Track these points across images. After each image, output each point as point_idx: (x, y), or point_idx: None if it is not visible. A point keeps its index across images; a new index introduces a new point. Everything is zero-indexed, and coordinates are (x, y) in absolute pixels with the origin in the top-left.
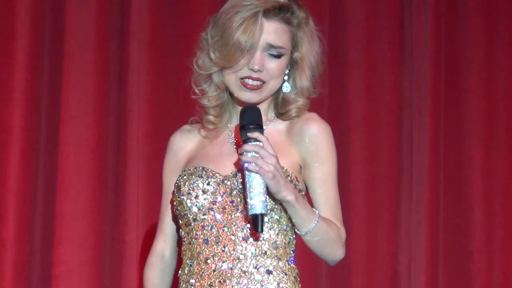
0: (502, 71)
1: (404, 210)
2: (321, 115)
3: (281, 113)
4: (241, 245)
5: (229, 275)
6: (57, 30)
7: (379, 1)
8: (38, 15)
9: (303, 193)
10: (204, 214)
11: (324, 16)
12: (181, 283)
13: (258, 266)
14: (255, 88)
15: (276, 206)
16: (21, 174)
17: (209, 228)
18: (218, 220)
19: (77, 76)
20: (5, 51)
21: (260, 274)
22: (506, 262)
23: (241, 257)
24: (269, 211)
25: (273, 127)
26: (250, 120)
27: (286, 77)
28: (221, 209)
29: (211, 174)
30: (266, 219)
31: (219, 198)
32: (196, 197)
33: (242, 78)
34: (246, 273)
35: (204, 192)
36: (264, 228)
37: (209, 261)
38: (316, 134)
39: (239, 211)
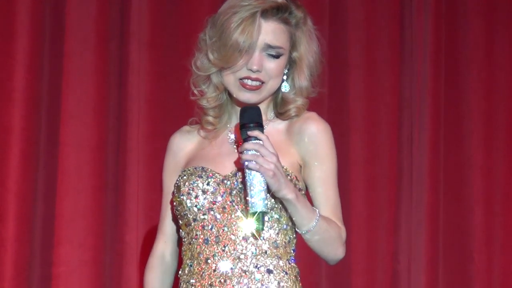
0: (502, 71)
1: (404, 210)
2: (321, 115)
3: (280, 113)
4: (241, 245)
5: (229, 274)
6: (57, 30)
7: (379, 1)
8: (38, 15)
9: (303, 193)
10: (204, 214)
11: (324, 16)
12: (182, 284)
13: (258, 266)
14: (254, 89)
15: (276, 205)
16: (21, 174)
17: (209, 228)
18: (218, 220)
19: (77, 76)
20: (5, 51)
21: (261, 273)
22: (506, 262)
23: (242, 256)
24: (269, 210)
25: (273, 127)
26: (250, 118)
27: (285, 77)
28: (221, 209)
29: (210, 174)
30: (266, 218)
31: (219, 198)
32: (196, 197)
33: (241, 79)
34: (247, 273)
35: (204, 192)
36: (264, 226)
37: (209, 261)
38: (316, 133)
39: (239, 210)
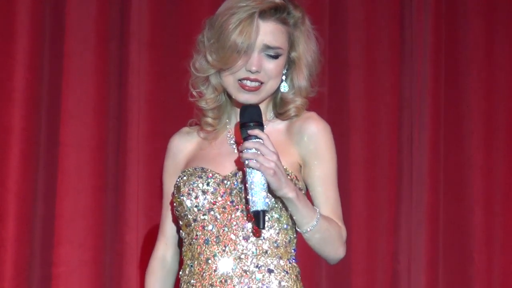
0: (502, 71)
1: (404, 210)
2: (321, 115)
3: (280, 113)
4: (242, 245)
5: (230, 274)
6: (57, 30)
7: (379, 1)
8: (38, 15)
9: (303, 192)
10: (204, 215)
11: (324, 16)
12: (182, 284)
13: (259, 265)
14: (253, 90)
15: (276, 205)
16: (21, 174)
17: (210, 228)
18: (218, 220)
19: (77, 76)
20: (5, 51)
21: (261, 273)
22: (506, 262)
23: (242, 256)
24: (269, 210)
25: (272, 127)
26: (250, 118)
27: (283, 77)
28: (221, 209)
29: (210, 174)
30: (266, 217)
31: (219, 198)
32: (196, 197)
33: (240, 80)
34: (247, 273)
35: (204, 192)
36: (265, 224)
37: (210, 261)
38: (316, 133)
39: (239, 210)
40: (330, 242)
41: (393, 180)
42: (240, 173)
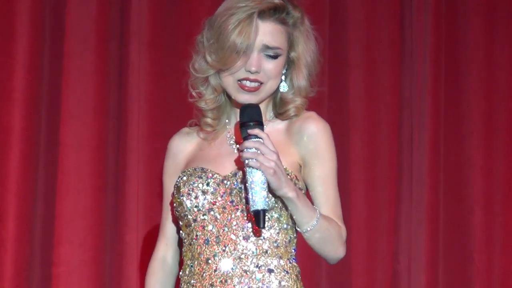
0: (502, 71)
1: (404, 210)
2: (321, 115)
3: (279, 113)
4: (242, 245)
5: (230, 274)
6: (57, 30)
7: (379, 1)
8: (38, 15)
9: (303, 192)
10: (204, 215)
11: (324, 16)
12: (182, 284)
13: (259, 265)
14: (252, 90)
15: (276, 205)
16: (21, 174)
17: (210, 228)
18: (218, 220)
19: (77, 76)
20: (5, 51)
21: (261, 273)
22: (506, 262)
23: (242, 256)
24: (269, 209)
25: (272, 127)
26: (250, 117)
27: (283, 77)
28: (221, 209)
29: (210, 174)
30: (266, 216)
31: (219, 198)
32: (196, 197)
33: (239, 80)
34: (248, 272)
35: (204, 192)
36: (266, 224)
37: (210, 261)
38: (316, 133)
39: (239, 210)
40: (330, 241)
41: (393, 180)
42: (240, 173)
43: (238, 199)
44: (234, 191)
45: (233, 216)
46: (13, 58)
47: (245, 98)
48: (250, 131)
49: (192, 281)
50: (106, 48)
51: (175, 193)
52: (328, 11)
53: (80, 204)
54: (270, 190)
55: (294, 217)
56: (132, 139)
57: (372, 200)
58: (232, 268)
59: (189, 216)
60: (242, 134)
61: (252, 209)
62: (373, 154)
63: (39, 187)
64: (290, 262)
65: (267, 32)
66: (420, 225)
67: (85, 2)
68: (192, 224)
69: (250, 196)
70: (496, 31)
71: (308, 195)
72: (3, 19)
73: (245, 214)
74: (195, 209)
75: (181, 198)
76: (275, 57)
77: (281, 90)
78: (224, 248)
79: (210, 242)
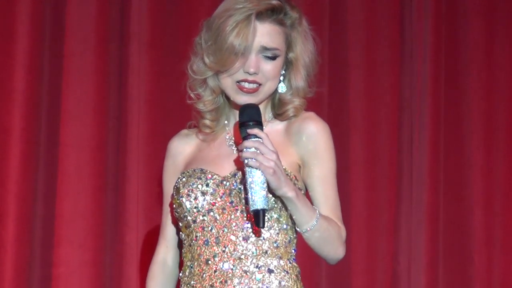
0: (502, 71)
1: (404, 210)
2: (321, 115)
3: (278, 113)
4: (242, 245)
5: (230, 275)
6: (57, 30)
7: (379, 1)
8: (38, 16)
9: (303, 193)
10: (203, 216)
11: (324, 17)
12: (182, 285)
13: (259, 266)
14: (251, 91)
15: (276, 205)
16: (21, 174)
17: (209, 229)
18: (218, 221)
19: (77, 77)
20: (5, 51)
21: (261, 273)
22: (506, 262)
23: (242, 257)
24: (269, 209)
25: (271, 127)
26: (250, 117)
27: (281, 78)
28: (220, 210)
29: (209, 175)
30: (266, 217)
31: (219, 199)
32: (196, 198)
33: (238, 82)
34: (248, 273)
35: (203, 193)
36: (265, 223)
37: (209, 262)
38: (315, 133)
39: (238, 211)
40: (330, 242)
41: (393, 180)
42: (239, 174)
43: (238, 199)
44: (234, 192)
45: (232, 216)
46: (13, 59)
47: (244, 99)
48: (249, 131)
49: (192, 282)
50: (106, 48)
51: (174, 194)
52: (328, 11)
53: (80, 204)
54: (270, 190)
55: (293, 217)
56: (132, 139)
57: (372, 200)
58: (231, 269)
59: (188, 217)
60: (242, 134)
61: (251, 208)
62: (373, 154)
63: (39, 187)
64: (290, 262)
65: (265, 33)
66: (420, 225)
67: (85, 2)
68: (192, 225)
69: (249, 196)
70: (496, 31)
71: (307, 195)
72: (3, 19)
73: (245, 215)
74: (195, 210)
75: (181, 199)
76: (273, 58)
77: (279, 91)
78: (224, 249)
79: (210, 243)
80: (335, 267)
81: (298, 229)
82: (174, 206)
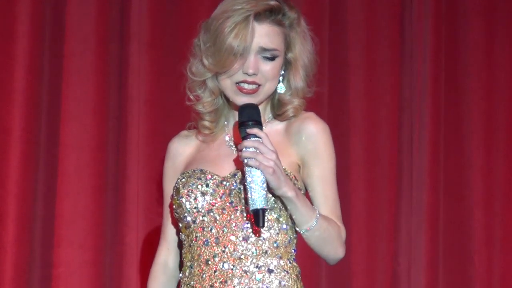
0: (502, 71)
1: (404, 210)
2: (321, 116)
3: (278, 114)
4: (242, 245)
5: (230, 275)
6: (57, 31)
7: (379, 1)
8: (38, 16)
9: (303, 193)
10: (203, 216)
11: (324, 17)
12: (182, 286)
13: (259, 266)
14: (251, 92)
15: (275, 205)
16: (21, 175)
17: (209, 229)
18: (217, 221)
19: (77, 77)
20: (5, 52)
21: (261, 273)
22: (506, 262)
23: (242, 257)
24: (269, 209)
25: (271, 128)
26: (249, 116)
27: (280, 78)
28: (220, 210)
29: (209, 176)
30: (266, 217)
31: (218, 199)
32: (195, 199)
33: (237, 83)
34: (248, 273)
35: (203, 193)
36: (265, 223)
37: (209, 262)
38: (315, 133)
39: (238, 211)
40: (330, 242)
41: (393, 180)
42: (239, 174)
43: (238, 199)
44: (233, 192)
45: (232, 217)
46: (13, 59)
47: (243, 100)
48: (249, 131)
49: (192, 283)
50: (106, 49)
51: (174, 195)
52: (328, 11)
53: (80, 204)
54: (270, 190)
55: (293, 216)
56: (132, 140)
57: (372, 200)
58: (231, 269)
59: (188, 218)
60: (241, 133)
61: (251, 208)
62: (373, 154)
63: (39, 188)
64: (290, 262)
65: (263, 34)
66: (420, 225)
67: (85, 2)
68: (192, 226)
69: (249, 195)
70: (496, 31)
71: (307, 196)
72: (3, 20)
73: (245, 215)
74: (195, 211)
75: (180, 199)
76: (272, 58)
77: (278, 91)
78: (223, 249)
79: (209, 243)
80: (335, 267)
81: (297, 229)
82: (174, 206)
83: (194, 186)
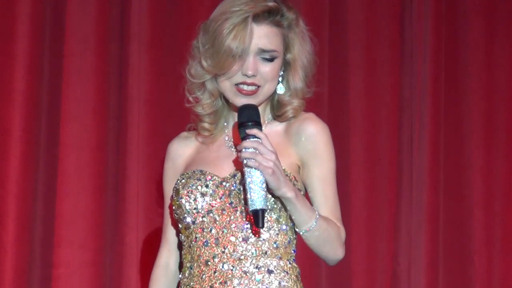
0: (502, 71)
1: (404, 210)
2: (321, 116)
3: (277, 115)
4: (241, 246)
5: (230, 276)
6: (57, 31)
7: (379, 1)
8: (38, 16)
9: (302, 193)
10: (203, 217)
11: (324, 17)
12: (182, 287)
13: (259, 266)
14: (250, 94)
15: (275, 206)
16: (21, 175)
17: (209, 230)
18: (217, 222)
19: (77, 77)
20: (5, 52)
21: (261, 274)
22: (506, 262)
23: (242, 257)
24: (268, 209)
25: (271, 129)
26: (248, 117)
27: (280, 79)
28: (220, 211)
29: (209, 176)
30: (266, 217)
31: (218, 200)
32: (195, 199)
33: (236, 84)
34: (247, 274)
35: (202, 194)
36: (264, 224)
37: (209, 263)
38: (315, 134)
39: (238, 212)
40: (329, 242)
41: (393, 180)
42: (238, 175)
43: (237, 200)
44: (233, 193)
45: (232, 217)
46: (13, 59)
47: (243, 101)
48: (248, 131)
49: (191, 283)
50: (106, 49)
51: (174, 195)
52: (328, 12)
53: (80, 204)
54: (269, 190)
55: (293, 217)
56: (132, 140)
57: (372, 200)
58: (231, 270)
59: (188, 219)
60: (241, 134)
61: (250, 209)
62: (373, 154)
63: (39, 188)
64: (290, 263)
65: (262, 35)
66: (420, 225)
67: (85, 2)
68: (191, 226)
69: (248, 196)
70: (496, 31)
71: (307, 196)
72: (3, 20)
73: (244, 215)
74: (194, 211)
75: (180, 200)
76: (271, 60)
77: (277, 92)
78: (223, 250)
79: (209, 244)
80: (335, 268)
81: (297, 230)
82: (174, 207)
83: (194, 187)
